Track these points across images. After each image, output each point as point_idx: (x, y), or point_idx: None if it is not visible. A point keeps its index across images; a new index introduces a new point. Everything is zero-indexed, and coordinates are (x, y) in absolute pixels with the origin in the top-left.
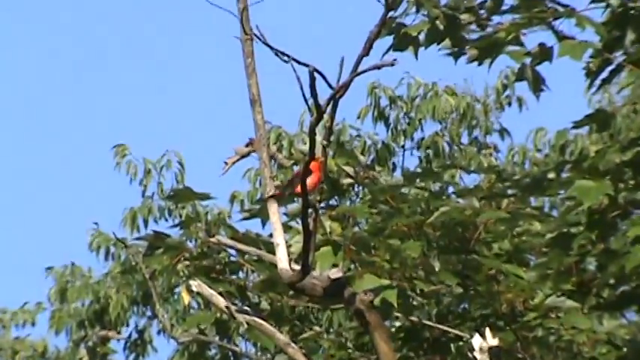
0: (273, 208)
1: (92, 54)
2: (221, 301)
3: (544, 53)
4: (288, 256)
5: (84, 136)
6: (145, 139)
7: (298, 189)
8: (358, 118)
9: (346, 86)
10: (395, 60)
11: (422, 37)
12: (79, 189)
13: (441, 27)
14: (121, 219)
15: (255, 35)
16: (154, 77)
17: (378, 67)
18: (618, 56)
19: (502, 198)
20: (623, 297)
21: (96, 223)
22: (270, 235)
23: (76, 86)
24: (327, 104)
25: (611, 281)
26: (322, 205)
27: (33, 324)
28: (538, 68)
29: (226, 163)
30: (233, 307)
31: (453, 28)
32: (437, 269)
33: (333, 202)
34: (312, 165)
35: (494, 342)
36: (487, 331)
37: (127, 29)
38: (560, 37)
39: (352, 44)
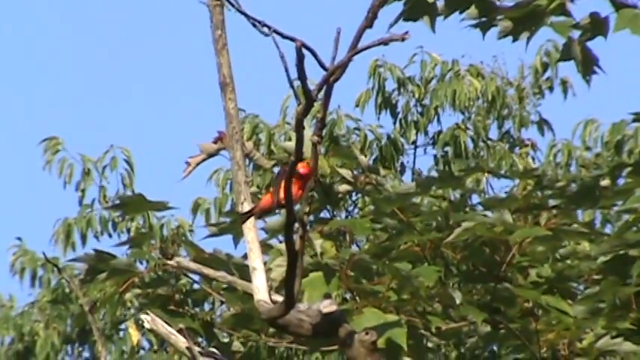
0: (248, 221)
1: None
2: (181, 341)
3: (597, 26)
4: (268, 283)
5: (4, 129)
6: (84, 131)
7: (280, 198)
8: (357, 106)
9: (343, 66)
10: (406, 33)
11: (440, 3)
12: None
13: None
14: (52, 234)
15: (227, 0)
16: (97, 54)
17: (385, 43)
18: None
19: (541, 210)
20: None
21: (19, 239)
22: (245, 257)
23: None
24: (319, 89)
25: None
26: (311, 218)
27: None
28: (589, 44)
29: (188, 163)
30: (196, 349)
31: None
32: (458, 302)
33: (325, 214)
34: (299, 167)
35: None
36: None
37: None
38: (618, 5)
39: (351, 14)
